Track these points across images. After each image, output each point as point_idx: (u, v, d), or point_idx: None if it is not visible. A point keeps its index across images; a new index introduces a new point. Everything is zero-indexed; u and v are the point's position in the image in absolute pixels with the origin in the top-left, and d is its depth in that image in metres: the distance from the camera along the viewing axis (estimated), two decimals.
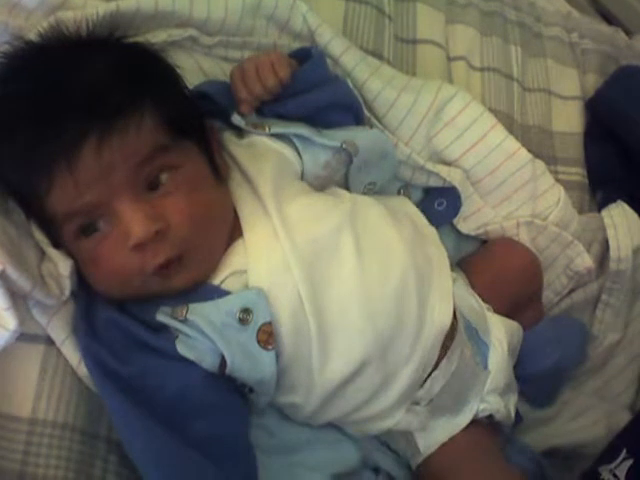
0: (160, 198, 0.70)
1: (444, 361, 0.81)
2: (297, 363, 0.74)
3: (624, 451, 0.73)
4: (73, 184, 0.66)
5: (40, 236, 0.73)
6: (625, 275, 1.06)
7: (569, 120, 1.23)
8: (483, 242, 1.05)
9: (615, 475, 0.72)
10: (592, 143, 1.22)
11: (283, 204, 0.77)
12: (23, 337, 0.69)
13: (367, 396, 0.78)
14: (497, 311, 0.91)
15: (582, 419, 1.04)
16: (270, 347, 0.72)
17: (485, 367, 0.85)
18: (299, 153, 0.83)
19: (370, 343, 0.75)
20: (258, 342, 0.71)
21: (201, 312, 0.71)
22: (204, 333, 0.70)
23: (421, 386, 0.81)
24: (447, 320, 0.80)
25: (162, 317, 0.72)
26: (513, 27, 1.27)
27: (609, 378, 1.08)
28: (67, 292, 0.72)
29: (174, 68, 0.78)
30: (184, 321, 0.71)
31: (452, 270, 0.89)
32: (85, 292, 0.74)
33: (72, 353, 0.72)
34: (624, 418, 1.04)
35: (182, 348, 0.71)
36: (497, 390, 0.85)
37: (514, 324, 0.91)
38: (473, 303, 0.88)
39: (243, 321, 0.71)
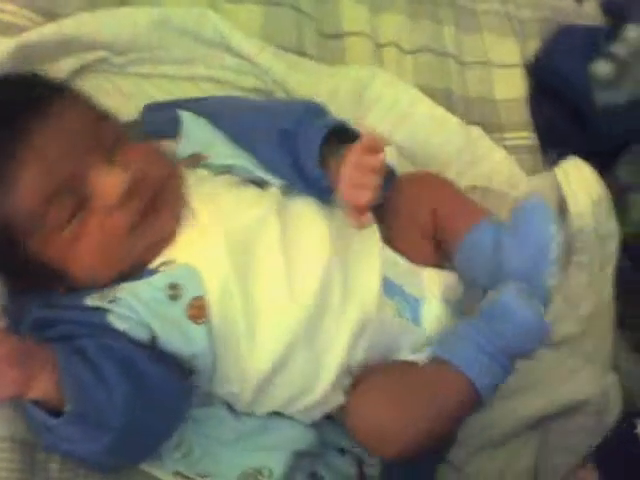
0: (123, 155, 0.73)
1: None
2: (226, 345, 0.76)
3: None
4: (40, 169, 0.69)
5: None
6: (589, 230, 1.05)
7: (512, 87, 1.24)
8: None
9: None
10: (538, 105, 1.23)
11: (215, 195, 0.80)
12: None
13: (302, 380, 0.79)
14: (426, 257, 0.90)
15: (571, 383, 1.02)
16: (200, 321, 0.74)
17: (415, 321, 0.85)
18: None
19: (296, 322, 0.76)
20: (188, 317, 0.73)
21: (130, 290, 0.73)
22: (133, 308, 0.72)
23: None
24: (373, 295, 0.80)
25: (91, 301, 0.74)
26: (445, 7, 1.28)
27: (593, 341, 1.06)
28: None
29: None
30: (113, 300, 0.73)
31: None
32: (15, 305, 0.77)
33: None
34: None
35: (113, 320, 0.72)
36: (434, 341, 0.84)
37: (449, 275, 0.90)
38: (398, 260, 0.87)
39: (173, 297, 0.73)
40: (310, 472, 0.84)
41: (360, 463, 0.87)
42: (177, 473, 0.78)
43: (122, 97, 0.93)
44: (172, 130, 0.86)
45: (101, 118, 0.75)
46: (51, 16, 0.94)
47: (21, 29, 0.91)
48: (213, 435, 0.79)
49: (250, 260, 0.76)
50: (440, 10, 1.28)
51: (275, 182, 0.83)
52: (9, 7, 0.92)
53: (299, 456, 0.82)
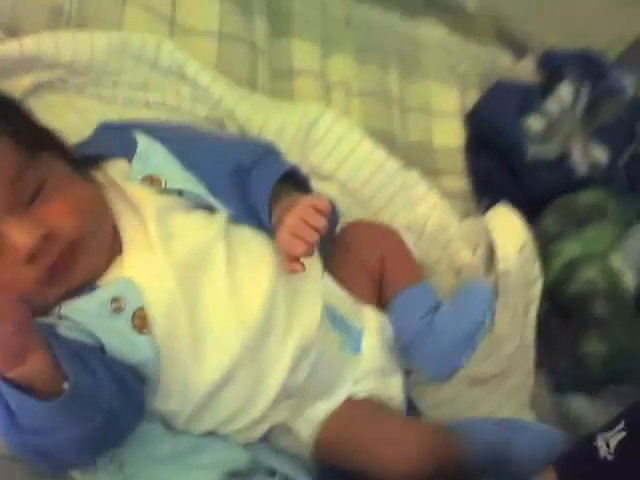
0: (38, 208, 0.73)
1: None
2: (171, 361, 0.78)
3: (622, 423, 0.76)
4: None
5: None
6: (514, 273, 1.11)
7: (450, 135, 1.31)
8: None
9: (607, 444, 0.75)
10: (473, 154, 1.30)
11: (163, 219, 0.81)
12: None
13: (242, 400, 0.82)
14: (367, 297, 0.95)
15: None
16: (144, 331, 0.76)
17: (356, 352, 0.89)
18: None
19: (240, 343, 0.79)
20: (133, 327, 0.76)
21: (74, 306, 0.75)
22: (78, 323, 0.74)
23: None
24: (313, 328, 0.84)
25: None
26: (391, 54, 1.35)
27: (515, 379, 1.12)
28: None
29: (12, 97, 0.81)
30: (59, 317, 0.75)
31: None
32: None
33: None
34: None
35: (64, 331, 0.74)
36: (373, 373, 0.90)
37: (385, 318, 0.95)
38: (338, 292, 0.92)
39: (116, 309, 0.75)
40: None
41: None
42: None
43: (77, 117, 0.95)
44: (125, 151, 0.87)
45: (27, 161, 0.74)
46: (12, 32, 0.96)
47: None
48: (148, 452, 0.80)
49: (196, 279, 0.79)
50: (386, 57, 1.34)
51: (223, 210, 0.85)
52: None
53: (231, 476, 0.84)
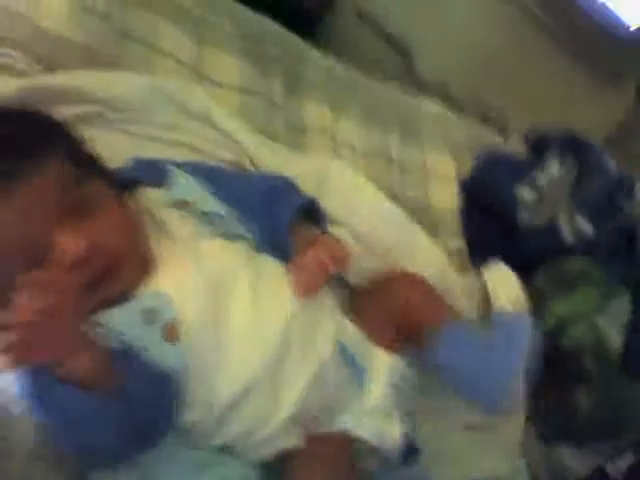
0: (86, 222, 0.78)
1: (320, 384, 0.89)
2: (197, 371, 0.81)
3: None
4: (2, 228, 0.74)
5: None
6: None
7: (445, 197, 1.39)
8: None
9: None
10: (469, 217, 1.38)
11: (194, 241, 0.87)
12: None
13: (259, 416, 0.85)
14: (384, 340, 1.00)
15: (486, 461, 1.12)
16: (174, 342, 0.80)
17: (362, 388, 0.94)
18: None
19: (260, 362, 0.84)
20: (164, 337, 0.80)
21: (110, 315, 0.79)
22: (113, 330, 0.78)
23: None
24: (327, 355, 0.90)
25: None
26: (393, 120, 1.44)
27: (508, 428, 1.17)
28: None
29: (62, 124, 0.87)
30: (95, 324, 0.78)
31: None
32: None
33: None
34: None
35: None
36: (375, 413, 0.94)
37: (398, 361, 1.00)
38: (353, 332, 0.97)
39: (150, 320, 0.80)
40: None
41: None
42: None
43: (110, 151, 0.99)
44: (156, 179, 0.93)
45: (81, 177, 0.80)
46: (50, 67, 1.02)
47: (20, 73, 0.98)
48: (165, 464, 0.83)
49: (223, 298, 0.84)
50: (389, 122, 1.44)
51: (247, 236, 0.92)
52: (14, 53, 0.99)
53: None
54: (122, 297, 0.81)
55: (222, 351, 0.83)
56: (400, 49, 2.12)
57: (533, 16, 1.99)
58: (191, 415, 0.83)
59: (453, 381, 1.02)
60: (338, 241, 0.96)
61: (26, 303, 0.65)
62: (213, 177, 0.96)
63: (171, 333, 0.80)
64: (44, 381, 0.70)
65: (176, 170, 0.95)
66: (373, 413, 0.95)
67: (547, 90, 2.01)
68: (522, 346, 0.98)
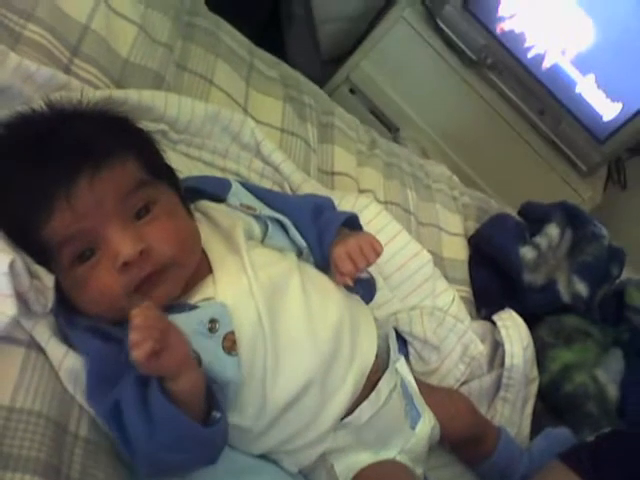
0: (143, 225, 0.83)
1: (373, 394, 0.95)
2: (252, 377, 0.85)
3: None
4: (70, 213, 0.78)
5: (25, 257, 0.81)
6: (518, 370, 1.24)
7: (455, 249, 1.49)
8: None
9: None
10: (476, 271, 1.47)
11: (249, 249, 0.92)
12: (6, 340, 0.78)
13: (308, 418, 0.89)
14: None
15: None
16: (233, 352, 0.84)
17: (413, 428, 1.01)
18: (267, 227, 0.99)
19: (314, 364, 0.89)
20: (223, 348, 0.83)
21: (175, 321, 0.80)
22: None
23: (350, 413, 0.93)
24: (371, 356, 0.96)
25: None
26: (408, 176, 1.55)
27: None
28: (50, 304, 0.81)
29: (145, 132, 0.93)
30: None
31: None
32: (63, 307, 0.84)
33: (56, 351, 0.80)
34: None
35: None
36: (412, 453, 1.00)
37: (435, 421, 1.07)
38: (414, 381, 1.06)
39: (211, 329, 0.83)
40: None
41: None
42: None
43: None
44: (218, 190, 0.99)
45: (152, 182, 0.85)
46: (119, 86, 1.10)
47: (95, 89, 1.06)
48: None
49: (277, 305, 0.88)
50: (405, 177, 1.54)
51: (300, 243, 0.99)
52: (92, 70, 1.07)
53: None
54: (176, 303, 0.85)
55: (276, 358, 0.86)
56: (387, 123, 2.34)
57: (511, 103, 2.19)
58: (243, 420, 0.87)
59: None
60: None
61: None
62: (266, 194, 1.03)
63: (230, 344, 0.84)
64: (153, 394, 0.74)
65: (237, 184, 1.02)
66: (408, 454, 1.00)
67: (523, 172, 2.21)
68: None
